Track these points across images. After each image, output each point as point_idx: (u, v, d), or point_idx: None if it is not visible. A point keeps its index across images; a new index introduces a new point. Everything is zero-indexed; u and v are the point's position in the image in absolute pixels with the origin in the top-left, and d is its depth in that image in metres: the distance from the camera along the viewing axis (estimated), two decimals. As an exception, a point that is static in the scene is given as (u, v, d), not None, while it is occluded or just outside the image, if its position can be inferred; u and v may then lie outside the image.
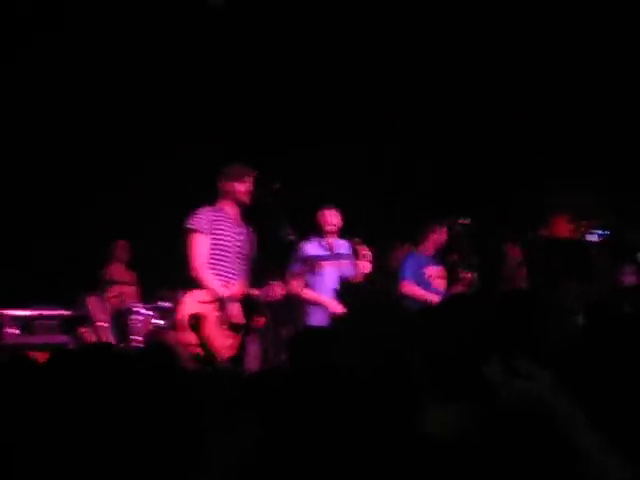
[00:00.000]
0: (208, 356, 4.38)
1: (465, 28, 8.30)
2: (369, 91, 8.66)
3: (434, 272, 6.49)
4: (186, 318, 4.50)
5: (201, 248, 4.79)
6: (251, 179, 5.01)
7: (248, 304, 4.22)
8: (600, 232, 8.44)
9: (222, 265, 4.85)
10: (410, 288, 6.40)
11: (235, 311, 4.68)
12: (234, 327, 4.52)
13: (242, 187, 4.98)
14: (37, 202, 7.98)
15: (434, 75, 8.63)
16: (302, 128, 8.52)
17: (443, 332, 1.83)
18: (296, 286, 5.42)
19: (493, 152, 8.96)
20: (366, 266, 5.94)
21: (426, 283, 6.41)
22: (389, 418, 2.03)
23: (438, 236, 6.54)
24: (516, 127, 8.88)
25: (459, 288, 6.43)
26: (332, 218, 5.99)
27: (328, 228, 5.99)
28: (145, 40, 7.88)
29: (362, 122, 8.68)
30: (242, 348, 3.51)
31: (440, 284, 6.47)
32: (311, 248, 5.88)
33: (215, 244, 4.85)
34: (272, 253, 5.49)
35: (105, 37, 7.80)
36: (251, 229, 5.13)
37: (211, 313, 4.64)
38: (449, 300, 2.01)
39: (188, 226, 4.84)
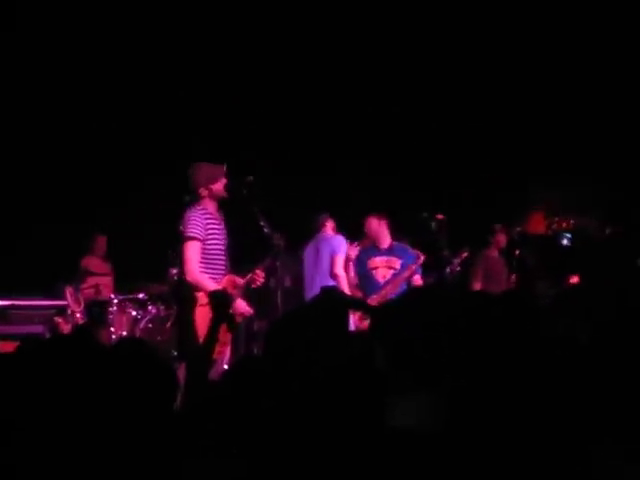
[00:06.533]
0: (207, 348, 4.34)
1: (448, 26, 8.34)
2: (353, 82, 8.67)
3: (378, 263, 6.57)
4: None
5: (196, 254, 4.89)
6: (224, 173, 5.02)
7: (225, 300, 4.19)
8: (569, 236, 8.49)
9: (216, 264, 4.97)
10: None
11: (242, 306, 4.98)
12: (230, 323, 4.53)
13: (219, 186, 5.01)
14: (22, 191, 7.98)
15: (421, 72, 8.64)
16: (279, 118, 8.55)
17: (406, 324, 1.84)
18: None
19: (476, 147, 8.98)
20: None
21: (368, 275, 6.56)
22: (356, 412, 2.03)
23: (377, 227, 6.55)
24: (498, 122, 8.92)
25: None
26: None
27: None
28: (162, 31, 7.90)
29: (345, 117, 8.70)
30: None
31: (386, 274, 6.52)
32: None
33: (209, 246, 4.94)
34: (247, 244, 5.51)
35: (125, 18, 7.80)
36: (223, 218, 5.15)
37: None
38: (411, 293, 2.02)
39: (187, 234, 4.89)
